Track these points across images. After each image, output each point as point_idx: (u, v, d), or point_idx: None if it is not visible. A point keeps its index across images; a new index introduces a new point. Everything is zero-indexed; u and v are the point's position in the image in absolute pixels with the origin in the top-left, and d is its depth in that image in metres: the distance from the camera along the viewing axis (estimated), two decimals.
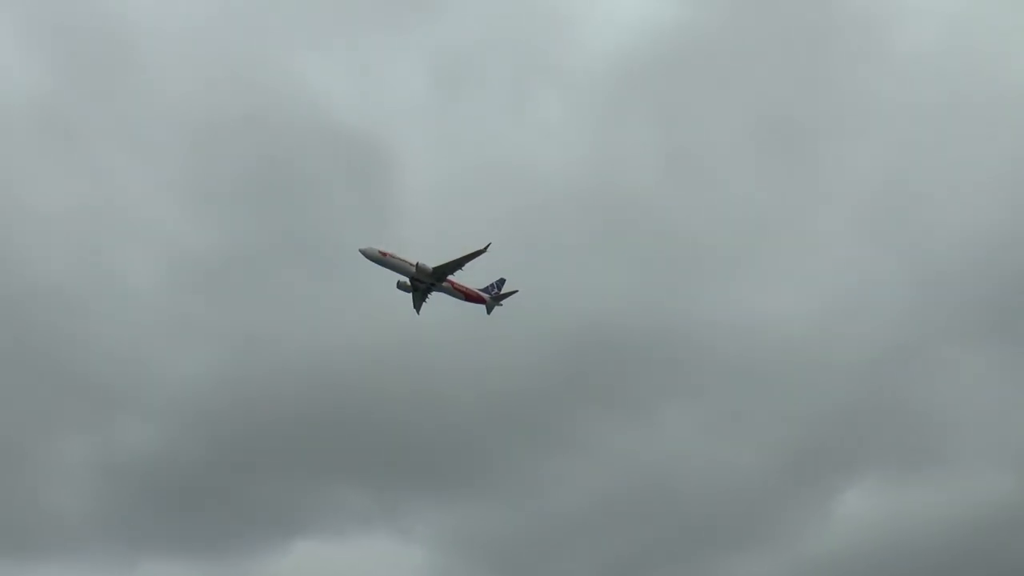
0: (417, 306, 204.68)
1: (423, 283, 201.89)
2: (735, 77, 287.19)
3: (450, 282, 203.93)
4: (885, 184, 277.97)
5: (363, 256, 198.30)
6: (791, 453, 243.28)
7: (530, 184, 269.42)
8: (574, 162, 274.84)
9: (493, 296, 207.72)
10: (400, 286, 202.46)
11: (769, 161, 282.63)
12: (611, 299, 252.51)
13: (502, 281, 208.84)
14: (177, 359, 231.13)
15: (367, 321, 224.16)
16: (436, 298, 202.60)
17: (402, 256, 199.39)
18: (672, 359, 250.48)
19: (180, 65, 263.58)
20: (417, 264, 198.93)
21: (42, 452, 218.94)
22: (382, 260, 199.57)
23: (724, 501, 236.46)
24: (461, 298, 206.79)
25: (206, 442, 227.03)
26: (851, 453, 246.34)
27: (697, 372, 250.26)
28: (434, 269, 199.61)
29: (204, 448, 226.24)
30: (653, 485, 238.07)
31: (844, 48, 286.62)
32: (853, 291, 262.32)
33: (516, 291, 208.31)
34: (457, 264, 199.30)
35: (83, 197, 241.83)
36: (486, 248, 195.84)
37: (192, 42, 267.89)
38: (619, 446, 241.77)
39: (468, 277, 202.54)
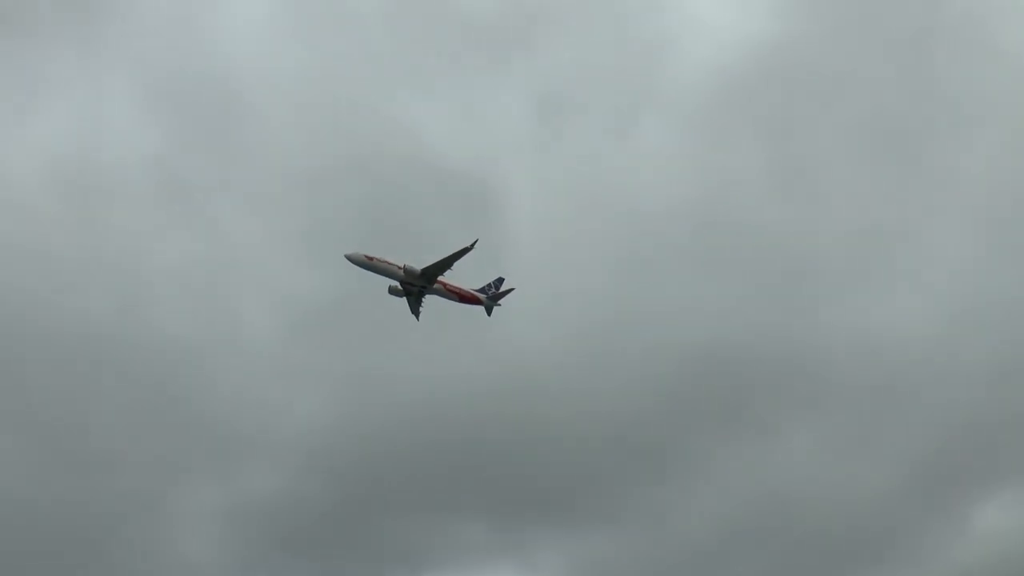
0: (415, 311, 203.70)
1: (414, 286, 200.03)
2: (838, 88, 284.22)
3: (442, 283, 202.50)
4: (1000, 186, 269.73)
5: (350, 262, 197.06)
6: (921, 467, 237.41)
7: (638, 210, 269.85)
8: (681, 185, 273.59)
9: (490, 296, 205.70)
10: (392, 291, 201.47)
11: (879, 170, 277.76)
12: (725, 320, 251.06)
13: (500, 280, 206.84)
14: (297, 403, 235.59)
15: (476, 355, 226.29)
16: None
17: (389, 259, 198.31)
18: (792, 377, 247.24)
19: (287, 116, 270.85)
20: (405, 267, 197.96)
21: (171, 500, 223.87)
22: (369, 264, 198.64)
23: (853, 519, 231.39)
24: (455, 300, 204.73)
25: (329, 484, 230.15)
26: (985, 465, 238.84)
27: (818, 389, 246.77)
28: (422, 271, 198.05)
29: (328, 489, 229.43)
30: (779, 506, 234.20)
31: (949, 50, 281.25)
32: (976, 298, 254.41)
33: (513, 288, 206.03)
34: (445, 264, 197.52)
35: (199, 250, 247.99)
36: (472, 245, 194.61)
37: (297, 93, 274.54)
38: (742, 468, 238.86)
39: (469, 279, 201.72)
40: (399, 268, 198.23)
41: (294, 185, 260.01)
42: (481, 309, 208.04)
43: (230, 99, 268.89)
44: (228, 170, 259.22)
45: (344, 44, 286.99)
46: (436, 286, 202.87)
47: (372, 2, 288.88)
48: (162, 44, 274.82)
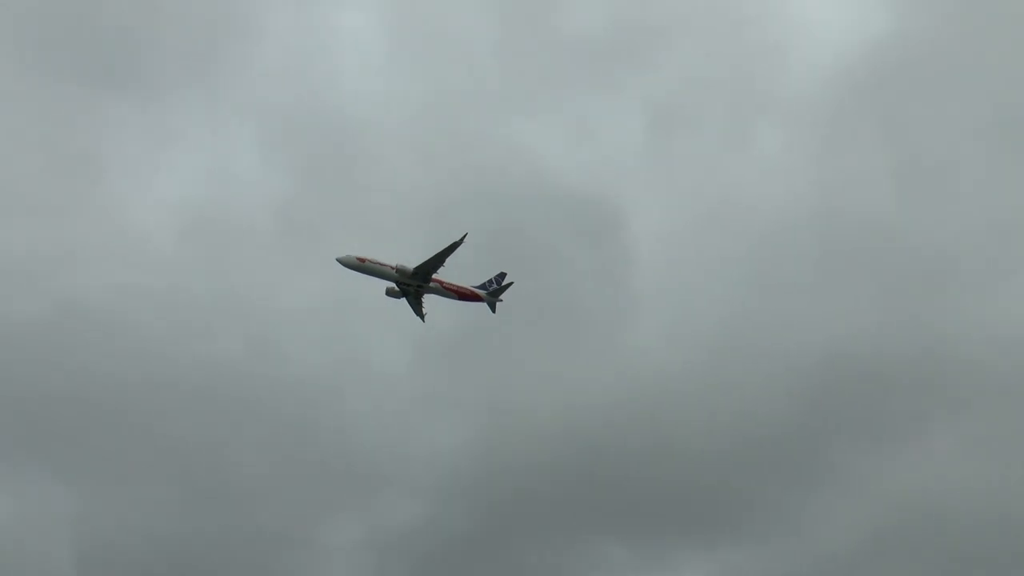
0: (418, 313, 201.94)
1: (410, 286, 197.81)
2: (958, 81, 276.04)
3: (438, 281, 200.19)
4: None
5: (342, 265, 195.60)
6: None
7: (760, 219, 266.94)
8: (803, 191, 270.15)
9: (491, 292, 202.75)
10: (389, 293, 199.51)
11: (1008, 162, 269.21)
12: (858, 325, 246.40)
13: (502, 275, 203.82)
14: (432, 432, 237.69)
15: (606, 374, 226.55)
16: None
17: (381, 260, 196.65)
18: (932, 380, 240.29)
19: (406, 151, 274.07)
20: (397, 267, 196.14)
21: (316, 535, 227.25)
22: (361, 267, 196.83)
23: (1006, 525, 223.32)
24: (454, 297, 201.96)
25: (469, 510, 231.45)
26: None
27: (961, 390, 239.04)
28: (415, 270, 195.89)
29: (468, 516, 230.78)
30: (925, 514, 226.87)
31: None
32: None
33: (512, 283, 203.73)
34: (437, 260, 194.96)
35: (328, 289, 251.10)
36: (462, 239, 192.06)
37: (413, 127, 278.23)
38: (884, 476, 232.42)
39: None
40: (392, 268, 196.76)
41: (417, 218, 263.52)
42: (483, 306, 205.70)
43: (349, 138, 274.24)
44: (351, 207, 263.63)
45: (457, 75, 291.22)
46: (433, 284, 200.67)
47: (482, 32, 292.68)
48: (280, 91, 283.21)
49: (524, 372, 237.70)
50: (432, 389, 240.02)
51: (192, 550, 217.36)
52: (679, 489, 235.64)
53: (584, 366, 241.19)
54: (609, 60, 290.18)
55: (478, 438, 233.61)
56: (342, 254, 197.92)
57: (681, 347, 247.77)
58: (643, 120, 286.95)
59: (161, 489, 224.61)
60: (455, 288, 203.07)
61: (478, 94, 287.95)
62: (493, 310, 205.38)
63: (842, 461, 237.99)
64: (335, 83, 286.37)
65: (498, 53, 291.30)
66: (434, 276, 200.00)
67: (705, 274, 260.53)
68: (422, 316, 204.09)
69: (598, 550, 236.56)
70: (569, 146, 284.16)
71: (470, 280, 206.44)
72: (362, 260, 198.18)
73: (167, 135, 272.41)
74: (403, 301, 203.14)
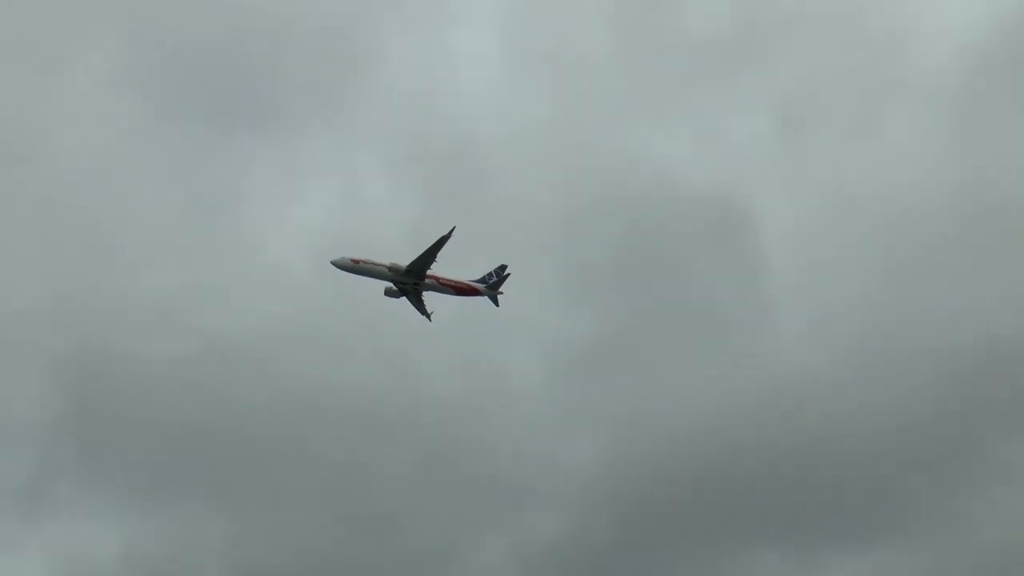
0: (423, 312, 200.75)
1: (407, 284, 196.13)
2: None
3: (434, 278, 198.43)
4: None
5: (337, 268, 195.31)
6: None
7: (897, 209, 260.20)
8: (940, 176, 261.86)
9: (490, 286, 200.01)
10: (388, 293, 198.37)
11: None
12: (1008, 309, 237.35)
13: (503, 268, 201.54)
14: (574, 446, 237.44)
15: (746, 378, 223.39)
16: None
17: (375, 260, 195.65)
18: None
19: (532, 166, 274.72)
20: (391, 265, 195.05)
21: (463, 554, 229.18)
22: (356, 268, 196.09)
23: None
24: (452, 293, 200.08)
25: (615, 522, 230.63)
26: None
27: None
28: (408, 267, 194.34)
29: (614, 528, 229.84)
30: None
31: None
32: None
33: (509, 274, 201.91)
34: (429, 256, 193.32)
35: (463, 309, 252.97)
36: (450, 233, 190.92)
37: (538, 142, 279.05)
38: None
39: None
40: (386, 267, 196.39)
41: (547, 233, 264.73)
42: (485, 300, 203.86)
43: (475, 156, 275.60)
44: (481, 226, 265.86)
45: (576, 85, 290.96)
46: (429, 281, 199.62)
47: (598, 39, 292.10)
48: (404, 115, 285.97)
49: (662, 379, 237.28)
50: (570, 400, 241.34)
51: (343, 572, 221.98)
52: (828, 490, 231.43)
53: (723, 370, 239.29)
54: (729, 59, 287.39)
55: (619, 447, 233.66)
56: (336, 257, 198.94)
57: (822, 345, 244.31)
58: (768, 117, 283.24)
59: (311, 514, 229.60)
60: (452, 283, 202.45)
61: (599, 102, 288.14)
62: (496, 303, 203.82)
63: (1000, 453, 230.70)
64: (457, 103, 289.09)
65: (616, 59, 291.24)
66: (430, 273, 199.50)
67: (842, 269, 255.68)
68: (428, 315, 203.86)
69: (748, 555, 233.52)
70: (694, 149, 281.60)
71: (471, 275, 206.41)
72: (356, 261, 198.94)
73: (299, 168, 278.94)
74: (404, 301, 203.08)
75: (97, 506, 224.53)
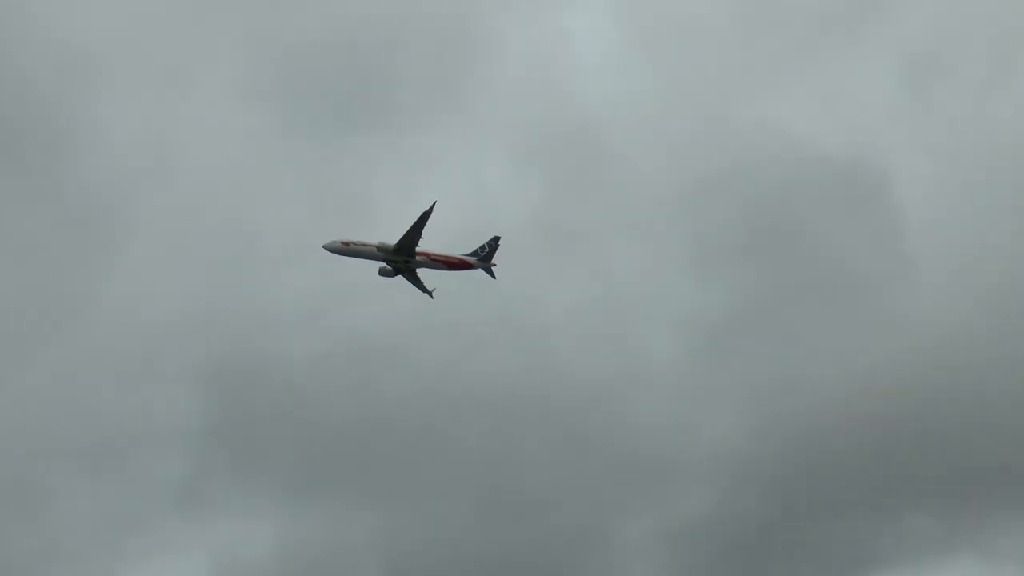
0: (422, 289, 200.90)
1: (398, 262, 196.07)
2: None
3: (424, 254, 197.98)
4: None
5: (328, 252, 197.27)
6: None
7: None
8: None
9: (481, 258, 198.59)
10: (382, 272, 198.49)
11: None
12: None
13: (496, 239, 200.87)
14: (715, 419, 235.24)
15: (886, 343, 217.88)
16: None
17: (364, 241, 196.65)
18: None
19: (653, 141, 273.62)
20: (379, 244, 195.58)
21: (613, 534, 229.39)
22: (346, 250, 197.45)
23: None
24: (444, 268, 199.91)
25: (763, 494, 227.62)
26: None
27: None
28: (395, 246, 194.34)
29: (762, 501, 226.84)
30: None
31: None
32: None
33: (499, 244, 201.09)
34: (415, 232, 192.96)
35: (594, 291, 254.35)
36: (431, 208, 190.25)
37: (658, 116, 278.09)
38: None
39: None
40: (374, 247, 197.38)
41: (676, 206, 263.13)
42: (479, 273, 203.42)
43: (598, 137, 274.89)
44: (605, 207, 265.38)
45: (695, 57, 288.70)
46: (420, 258, 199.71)
47: (715, 8, 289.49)
48: (525, 102, 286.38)
49: (801, 345, 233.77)
50: (710, 373, 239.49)
51: (493, 558, 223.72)
52: (985, 453, 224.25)
53: (864, 333, 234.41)
54: (851, 16, 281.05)
55: (762, 418, 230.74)
56: (327, 241, 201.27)
57: (966, 301, 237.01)
58: (896, 69, 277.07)
59: (457, 503, 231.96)
60: (443, 258, 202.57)
61: (719, 71, 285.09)
62: (492, 275, 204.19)
63: None
64: (576, 84, 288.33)
65: (733, 25, 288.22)
66: (420, 249, 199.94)
67: (981, 227, 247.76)
68: (428, 292, 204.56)
69: (904, 524, 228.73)
70: (821, 112, 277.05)
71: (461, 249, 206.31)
72: (347, 244, 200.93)
73: (425, 163, 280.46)
74: (401, 280, 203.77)
75: (251, 505, 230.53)
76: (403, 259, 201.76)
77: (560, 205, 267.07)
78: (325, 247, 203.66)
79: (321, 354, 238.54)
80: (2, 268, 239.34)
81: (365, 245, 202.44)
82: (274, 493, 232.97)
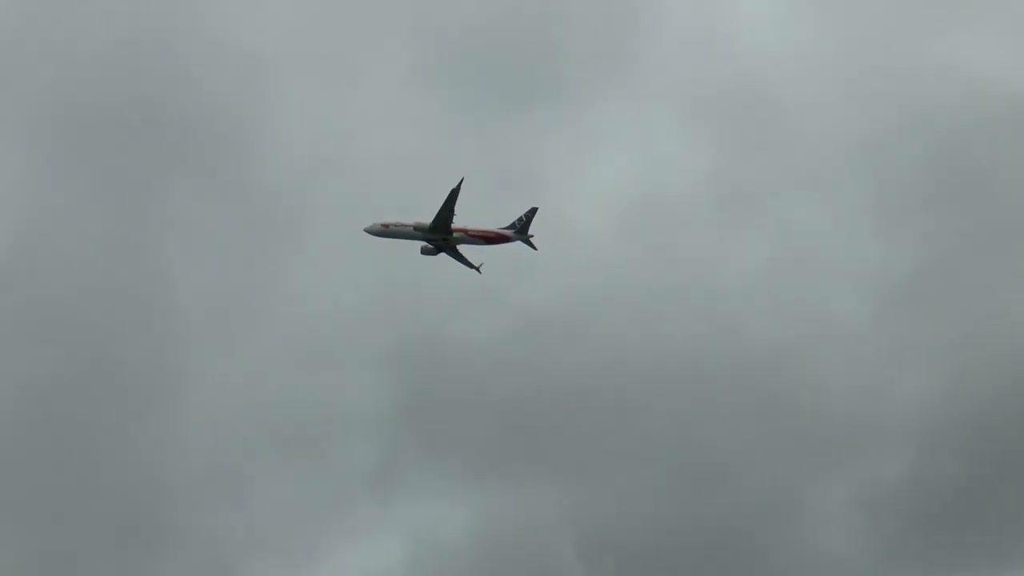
0: (469, 265, 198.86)
1: (437, 240, 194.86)
2: None
3: (461, 230, 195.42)
4: None
5: (370, 235, 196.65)
6: None
7: None
8: None
9: (518, 231, 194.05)
10: (424, 251, 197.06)
11: None
12: None
13: (533, 210, 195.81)
14: (904, 381, 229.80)
15: None
16: None
17: (403, 222, 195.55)
18: None
19: (826, 97, 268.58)
20: (416, 224, 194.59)
21: (803, 500, 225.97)
22: (387, 232, 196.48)
23: None
24: (482, 243, 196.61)
25: (958, 458, 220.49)
26: None
27: None
28: (431, 224, 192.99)
29: (958, 464, 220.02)
30: None
31: None
32: None
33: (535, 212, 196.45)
34: (447, 210, 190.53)
35: (772, 251, 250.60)
36: (460, 185, 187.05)
37: (829, 70, 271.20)
38: None
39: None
40: (412, 227, 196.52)
41: (851, 163, 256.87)
42: (519, 246, 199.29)
43: (768, 96, 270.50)
44: (780, 164, 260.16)
45: (868, 6, 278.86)
46: (457, 235, 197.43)
47: None
48: (690, 66, 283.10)
49: (992, 299, 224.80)
50: (900, 331, 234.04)
51: (685, 528, 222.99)
52: None
53: None
54: None
55: (954, 378, 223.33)
56: (367, 224, 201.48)
57: None
58: None
59: (649, 474, 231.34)
60: (480, 233, 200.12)
61: (893, 16, 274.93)
62: (533, 247, 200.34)
63: None
64: (743, 42, 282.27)
65: None
66: (457, 226, 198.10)
67: None
68: (476, 267, 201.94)
69: None
70: (1008, 48, 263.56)
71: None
72: (386, 226, 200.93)
73: (595, 134, 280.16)
74: (444, 257, 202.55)
75: (444, 486, 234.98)
76: (441, 236, 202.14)
77: (734, 166, 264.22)
78: (366, 230, 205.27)
79: (503, 332, 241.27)
80: (194, 267, 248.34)
81: (403, 225, 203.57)
82: (465, 473, 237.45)
